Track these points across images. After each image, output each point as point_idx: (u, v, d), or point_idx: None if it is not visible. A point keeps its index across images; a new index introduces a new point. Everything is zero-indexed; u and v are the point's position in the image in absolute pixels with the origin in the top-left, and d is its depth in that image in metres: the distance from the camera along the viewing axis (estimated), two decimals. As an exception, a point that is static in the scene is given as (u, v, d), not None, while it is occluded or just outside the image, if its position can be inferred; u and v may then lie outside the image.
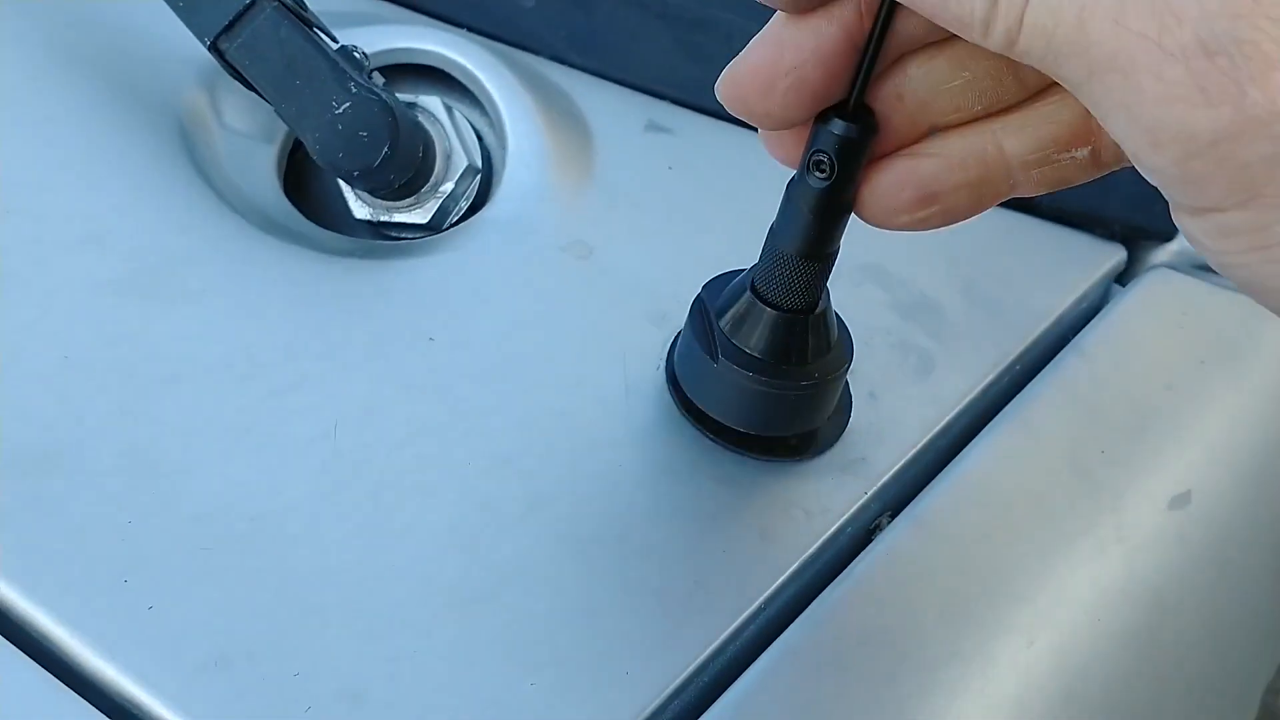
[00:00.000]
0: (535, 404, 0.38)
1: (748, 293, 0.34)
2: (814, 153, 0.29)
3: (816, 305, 0.34)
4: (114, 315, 0.38)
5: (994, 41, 0.24)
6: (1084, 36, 0.22)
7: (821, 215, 0.31)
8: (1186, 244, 0.44)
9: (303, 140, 0.40)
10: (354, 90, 0.39)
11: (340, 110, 0.39)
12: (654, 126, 0.47)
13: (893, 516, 0.38)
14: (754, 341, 0.34)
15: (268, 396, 0.37)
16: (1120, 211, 0.47)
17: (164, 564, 0.33)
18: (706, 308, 0.36)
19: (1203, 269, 0.48)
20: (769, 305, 0.34)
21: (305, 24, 0.40)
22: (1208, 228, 0.23)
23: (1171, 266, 0.48)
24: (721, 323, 0.35)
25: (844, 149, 0.29)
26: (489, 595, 0.33)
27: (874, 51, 0.27)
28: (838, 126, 0.28)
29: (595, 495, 0.36)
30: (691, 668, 0.33)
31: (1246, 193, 0.22)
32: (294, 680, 0.31)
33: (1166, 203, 0.24)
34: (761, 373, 0.35)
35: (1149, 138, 0.22)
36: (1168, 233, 0.48)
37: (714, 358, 0.35)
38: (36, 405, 0.36)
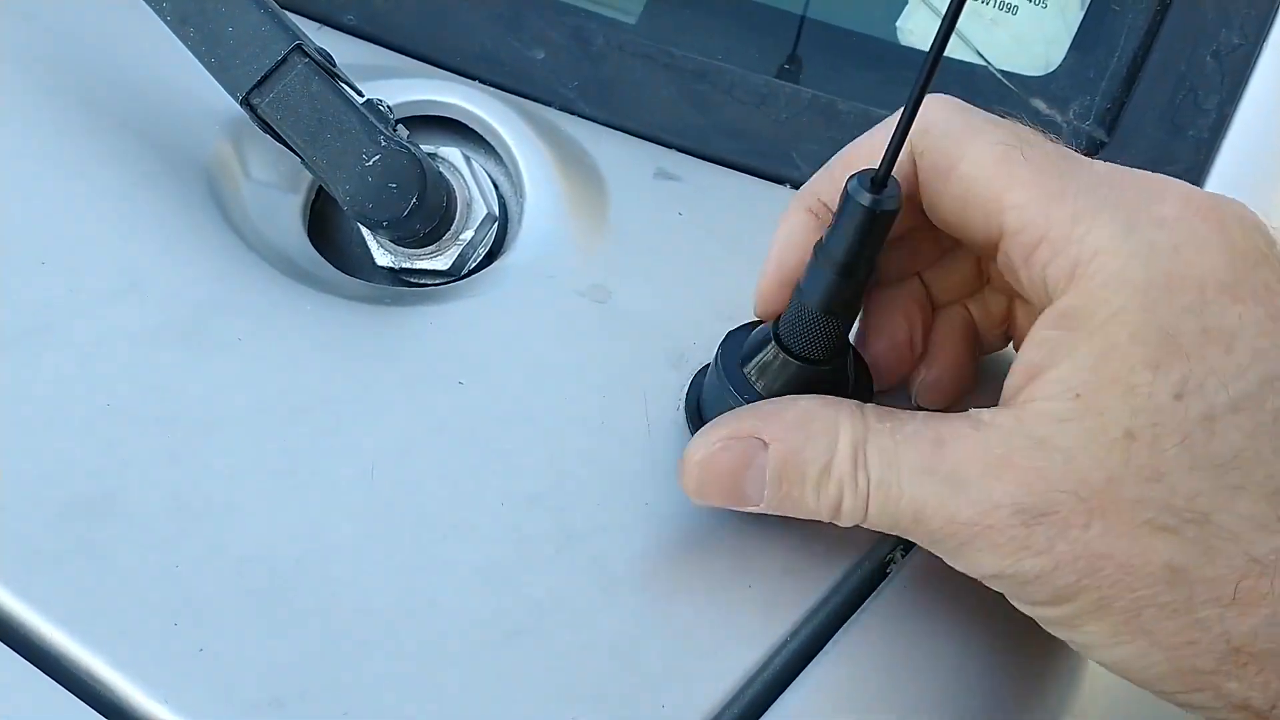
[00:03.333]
0: (562, 444, 0.39)
1: (772, 343, 0.36)
2: (842, 219, 0.32)
3: (837, 357, 0.36)
4: (154, 364, 0.39)
5: (843, 524, 0.34)
6: (922, 526, 0.32)
7: (844, 276, 0.33)
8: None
9: (332, 192, 0.41)
10: (383, 143, 0.41)
11: (370, 163, 0.40)
12: (663, 174, 0.49)
13: (905, 552, 0.39)
14: (777, 389, 0.36)
15: (306, 440, 0.38)
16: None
17: (212, 606, 0.34)
18: (732, 354, 0.38)
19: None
20: (792, 355, 0.35)
21: (334, 78, 0.41)
22: (1035, 613, 0.32)
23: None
24: (747, 370, 0.37)
25: (868, 219, 0.31)
26: (528, 630, 0.35)
27: (903, 133, 0.29)
28: (865, 199, 0.31)
29: (624, 531, 0.37)
30: (725, 699, 0.34)
31: (1060, 599, 0.31)
32: (344, 719, 0.32)
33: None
34: None
35: (990, 576, 0.32)
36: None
37: (738, 401, 0.36)
38: (82, 453, 0.36)
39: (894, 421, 0.33)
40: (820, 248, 0.33)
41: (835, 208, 0.34)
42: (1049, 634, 0.38)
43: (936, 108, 0.34)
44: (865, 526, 0.33)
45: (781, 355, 0.36)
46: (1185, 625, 0.30)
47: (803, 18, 0.52)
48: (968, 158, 0.32)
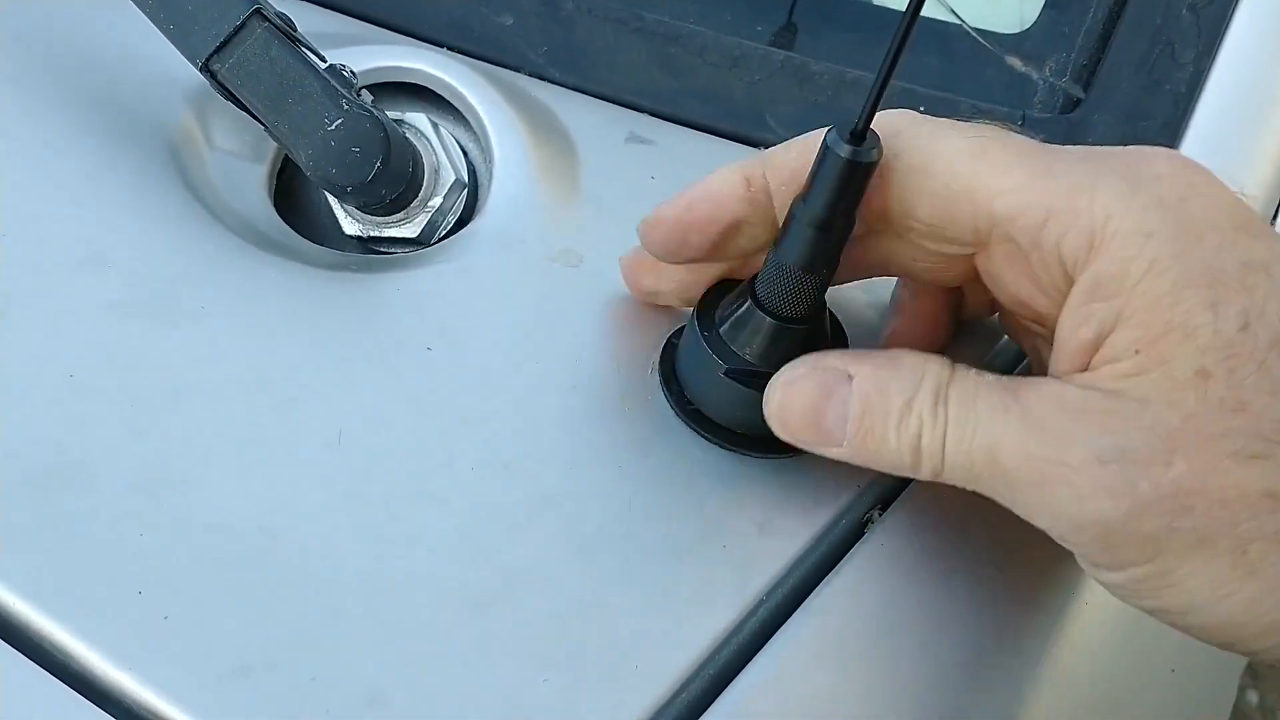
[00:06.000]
0: (533, 409, 0.39)
1: (749, 302, 0.35)
2: (820, 174, 0.31)
3: (815, 315, 0.35)
4: (118, 335, 0.38)
5: (924, 476, 0.33)
6: (998, 466, 0.31)
7: (824, 232, 0.32)
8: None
9: (295, 157, 0.41)
10: (345, 107, 0.40)
11: (332, 127, 0.40)
12: (635, 138, 0.48)
13: (883, 510, 0.39)
14: (753, 347, 0.36)
15: (273, 409, 0.37)
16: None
17: (178, 575, 0.33)
18: (709, 313, 0.37)
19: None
20: (769, 314, 0.35)
21: (295, 43, 0.41)
22: (1123, 578, 0.31)
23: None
24: (723, 329, 0.36)
25: (847, 171, 0.31)
26: (499, 596, 0.34)
27: (883, 84, 0.29)
28: (844, 150, 0.30)
29: (597, 496, 0.37)
30: (698, 660, 0.34)
31: (1152, 552, 0.29)
32: (312, 685, 0.32)
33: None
34: (760, 377, 0.36)
35: (1070, 526, 0.30)
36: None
37: (715, 362, 0.36)
38: (46, 425, 0.36)
39: (975, 371, 0.33)
40: (798, 206, 0.33)
41: (771, 186, 0.34)
42: (1026, 594, 0.38)
43: (899, 116, 0.34)
44: (940, 480, 0.33)
45: (759, 314, 0.35)
46: None
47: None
48: (943, 154, 0.32)
